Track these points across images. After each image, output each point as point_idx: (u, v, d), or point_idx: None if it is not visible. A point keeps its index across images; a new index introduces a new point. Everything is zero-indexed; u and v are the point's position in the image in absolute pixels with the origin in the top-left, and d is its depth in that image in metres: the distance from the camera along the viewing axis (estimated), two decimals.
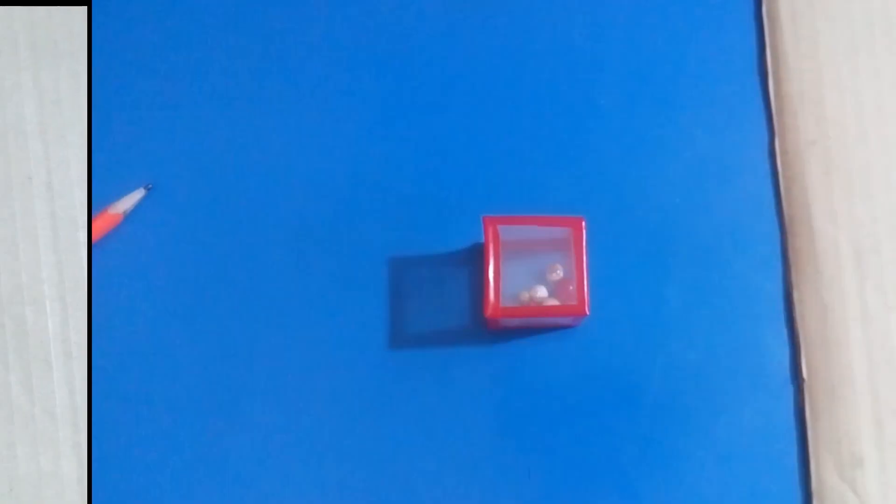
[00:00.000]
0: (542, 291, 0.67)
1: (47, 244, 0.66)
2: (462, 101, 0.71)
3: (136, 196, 0.69)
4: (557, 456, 0.65)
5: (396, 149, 0.70)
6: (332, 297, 0.68)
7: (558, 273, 0.67)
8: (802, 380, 0.66)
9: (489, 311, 0.64)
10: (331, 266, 0.68)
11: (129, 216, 0.69)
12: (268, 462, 0.65)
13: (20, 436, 0.64)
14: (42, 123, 0.67)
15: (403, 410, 0.66)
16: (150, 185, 0.70)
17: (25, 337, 0.65)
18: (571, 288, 0.65)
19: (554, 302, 0.66)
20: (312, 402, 0.66)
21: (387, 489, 0.65)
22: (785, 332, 0.67)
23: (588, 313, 0.63)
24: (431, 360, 0.67)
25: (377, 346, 0.67)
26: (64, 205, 0.67)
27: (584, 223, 0.64)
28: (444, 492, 0.65)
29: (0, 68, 0.68)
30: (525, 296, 0.67)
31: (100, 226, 0.68)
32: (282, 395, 0.66)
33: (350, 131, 0.71)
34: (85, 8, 0.68)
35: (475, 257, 0.68)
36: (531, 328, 0.67)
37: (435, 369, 0.67)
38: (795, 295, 0.67)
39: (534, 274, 0.67)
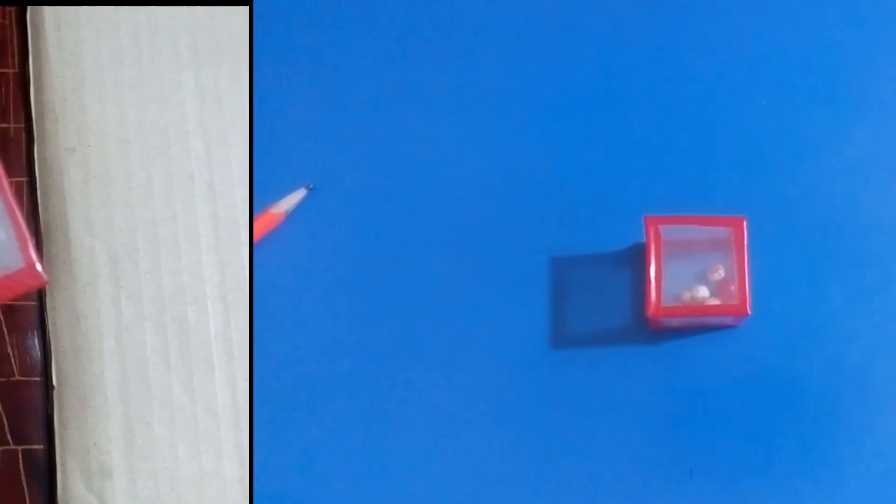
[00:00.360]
0: (703, 291, 0.66)
1: (209, 244, 0.66)
2: (624, 100, 0.71)
3: (297, 196, 0.69)
4: (718, 455, 0.65)
5: (558, 148, 0.70)
6: (493, 297, 0.68)
7: (720, 273, 0.67)
8: None
9: (651, 311, 0.64)
10: (492, 265, 0.68)
11: (291, 216, 0.69)
12: (428, 461, 0.66)
13: (182, 436, 0.64)
14: (203, 123, 0.67)
15: (564, 410, 0.66)
16: (312, 185, 0.70)
17: (187, 337, 0.65)
18: (733, 288, 0.65)
19: (715, 302, 0.66)
20: (473, 400, 0.66)
21: (546, 488, 0.65)
22: None
23: (750, 313, 0.63)
24: (592, 360, 0.67)
25: (538, 346, 0.67)
26: (225, 205, 0.66)
27: (745, 223, 0.64)
28: (604, 491, 0.65)
29: (162, 68, 0.67)
30: (686, 295, 0.67)
31: (261, 226, 0.68)
32: (442, 395, 0.67)
33: (511, 131, 0.71)
34: (246, 8, 0.68)
35: (636, 257, 0.67)
36: (692, 328, 0.67)
37: (596, 369, 0.67)
38: None
39: (695, 274, 0.67)
